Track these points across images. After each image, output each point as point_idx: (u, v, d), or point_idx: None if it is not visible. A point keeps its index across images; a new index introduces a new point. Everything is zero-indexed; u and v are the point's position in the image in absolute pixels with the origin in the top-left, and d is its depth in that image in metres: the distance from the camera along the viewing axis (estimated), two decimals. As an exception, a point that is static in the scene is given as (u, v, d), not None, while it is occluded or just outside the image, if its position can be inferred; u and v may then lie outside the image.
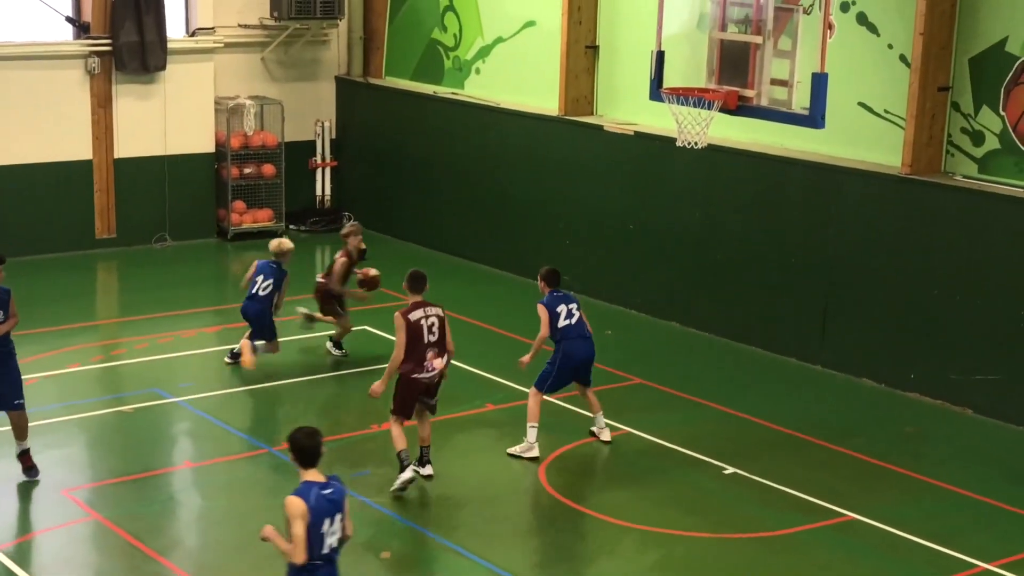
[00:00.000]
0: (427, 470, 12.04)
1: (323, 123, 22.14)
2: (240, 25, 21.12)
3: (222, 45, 20.89)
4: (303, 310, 15.84)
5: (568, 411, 13.76)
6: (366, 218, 22.10)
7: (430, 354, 11.60)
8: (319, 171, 22.27)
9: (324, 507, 7.88)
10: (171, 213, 20.68)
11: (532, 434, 12.74)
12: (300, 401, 14.36)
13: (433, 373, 11.68)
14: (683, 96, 12.67)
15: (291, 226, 21.68)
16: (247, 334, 14.79)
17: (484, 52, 20.02)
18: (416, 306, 11.66)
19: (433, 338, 11.62)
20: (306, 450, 8.04)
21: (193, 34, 20.73)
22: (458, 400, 14.18)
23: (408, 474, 11.76)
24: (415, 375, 11.63)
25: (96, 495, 11.82)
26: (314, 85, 22.19)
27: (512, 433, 13.23)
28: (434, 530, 11.21)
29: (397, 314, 11.62)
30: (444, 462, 12.63)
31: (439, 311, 11.76)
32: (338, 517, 7.97)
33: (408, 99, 21.20)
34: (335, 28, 21.88)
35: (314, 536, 7.84)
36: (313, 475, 8.00)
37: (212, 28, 20.76)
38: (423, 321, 11.59)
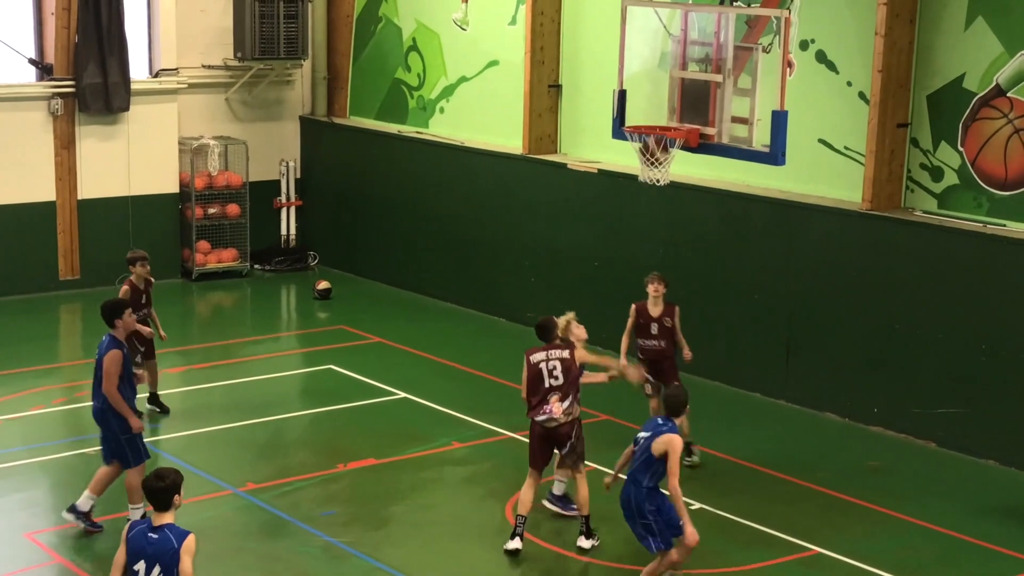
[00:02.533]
0: (584, 542, 11.54)
1: (287, 163, 22.18)
2: (204, 66, 21.16)
3: (186, 86, 20.92)
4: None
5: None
6: (331, 257, 22.17)
7: (553, 398, 11.35)
8: (284, 211, 22.29)
9: (141, 548, 7.69)
10: (135, 254, 20.66)
11: None
12: (266, 441, 14.32)
13: (546, 417, 11.36)
14: (645, 134, 12.78)
15: (256, 266, 21.70)
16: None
17: (448, 91, 20.11)
18: (542, 348, 11.52)
19: (556, 382, 11.36)
20: (148, 492, 7.92)
21: (156, 75, 20.73)
22: (425, 438, 14.18)
23: (514, 544, 11.51)
24: (534, 417, 11.45)
25: (59, 538, 11.73)
26: (278, 125, 22.23)
27: (478, 471, 13.24)
28: (402, 570, 11.18)
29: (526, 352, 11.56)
30: (411, 502, 12.66)
31: (564, 354, 11.46)
32: (157, 570, 7.65)
33: (373, 138, 21.26)
34: (299, 68, 21.95)
35: (128, 570, 7.72)
36: (159, 517, 7.80)
37: (175, 69, 20.77)
38: (543, 364, 11.40)
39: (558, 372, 11.37)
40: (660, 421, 10.48)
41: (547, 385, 11.35)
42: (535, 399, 11.39)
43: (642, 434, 10.47)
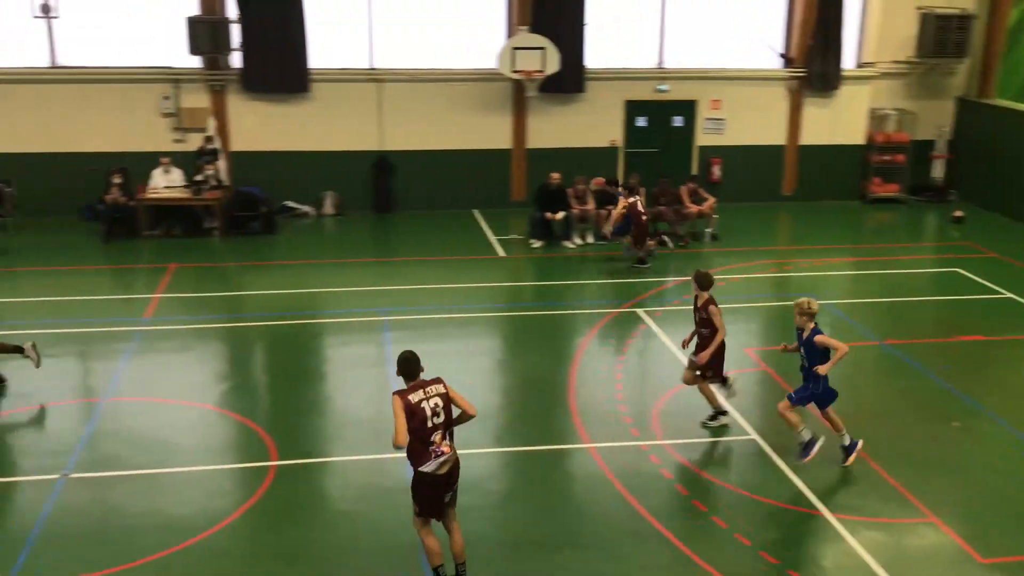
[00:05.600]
0: None
1: (943, 128, 27.07)
2: (893, 61, 26.50)
3: (878, 74, 26.51)
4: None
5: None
6: (974, 196, 25.39)
7: (436, 436, 10.08)
8: (937, 162, 27.27)
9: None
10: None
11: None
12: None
13: (443, 459, 10.10)
14: None
15: (911, 197, 26.79)
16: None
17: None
18: (415, 387, 10.08)
19: (439, 420, 10.07)
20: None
21: (860, 66, 26.71)
22: None
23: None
24: (424, 468, 10.08)
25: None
26: (939, 103, 27.02)
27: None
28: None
29: (394, 395, 10.01)
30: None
31: (441, 388, 10.13)
32: None
33: (1011, 116, 24.56)
34: (961, 64, 26.59)
35: None
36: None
37: (873, 63, 26.56)
38: (424, 403, 10.06)
39: (440, 409, 10.09)
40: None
41: (430, 425, 10.05)
42: (420, 442, 10.03)
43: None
